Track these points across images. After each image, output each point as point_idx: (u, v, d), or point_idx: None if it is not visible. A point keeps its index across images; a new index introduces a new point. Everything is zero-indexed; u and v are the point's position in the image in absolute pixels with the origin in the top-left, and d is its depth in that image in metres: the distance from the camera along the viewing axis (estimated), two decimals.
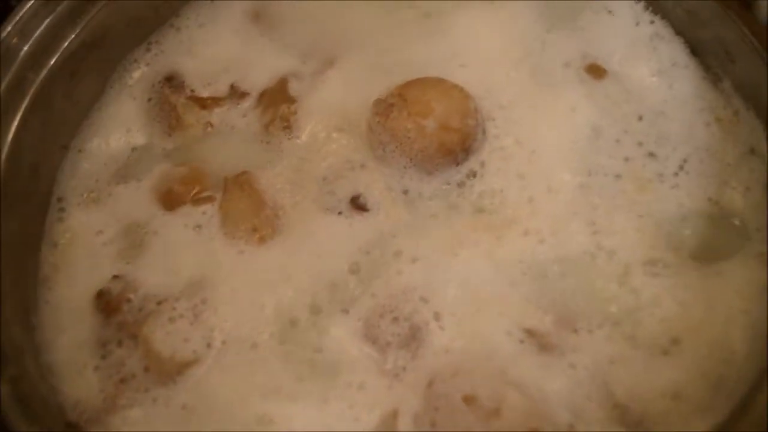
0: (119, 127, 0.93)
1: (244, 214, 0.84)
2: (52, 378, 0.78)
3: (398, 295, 0.79)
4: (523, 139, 0.86)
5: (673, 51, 0.92)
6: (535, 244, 0.81)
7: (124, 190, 0.88)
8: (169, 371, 0.77)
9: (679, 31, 0.93)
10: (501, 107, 0.88)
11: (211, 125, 0.92)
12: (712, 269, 0.80)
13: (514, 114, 0.88)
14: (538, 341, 0.77)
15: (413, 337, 0.77)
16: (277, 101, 0.91)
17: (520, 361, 0.76)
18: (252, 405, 0.75)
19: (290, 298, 0.80)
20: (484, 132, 0.86)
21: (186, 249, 0.83)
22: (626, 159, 0.85)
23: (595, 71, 0.90)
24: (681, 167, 0.85)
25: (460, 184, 0.84)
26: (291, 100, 0.91)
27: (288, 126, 0.90)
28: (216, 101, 0.93)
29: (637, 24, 0.93)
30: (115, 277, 0.82)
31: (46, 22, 0.87)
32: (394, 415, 0.74)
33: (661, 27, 0.93)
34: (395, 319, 0.78)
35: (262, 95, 0.92)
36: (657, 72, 0.90)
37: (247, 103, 0.92)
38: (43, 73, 0.87)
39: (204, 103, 0.93)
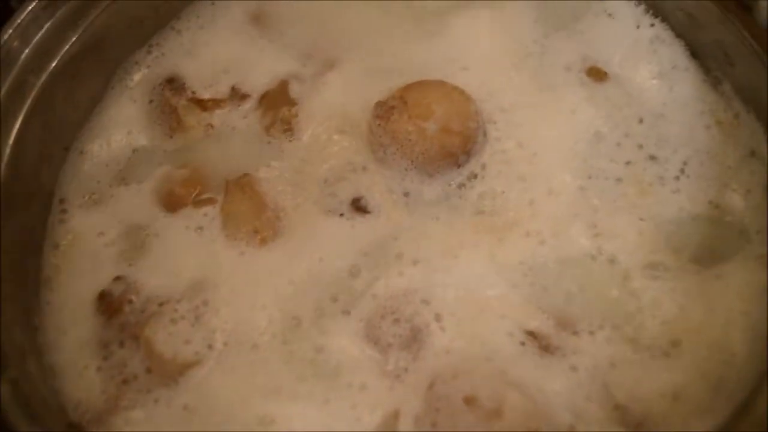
0: (120, 129, 0.93)
1: (246, 216, 0.84)
2: (54, 379, 0.78)
3: (399, 296, 0.79)
4: (524, 142, 0.87)
5: (673, 54, 0.92)
6: (536, 245, 0.81)
7: (126, 191, 0.88)
8: (170, 372, 0.77)
9: (679, 34, 0.93)
10: (502, 110, 0.89)
11: (212, 127, 0.92)
12: (712, 272, 0.80)
13: (515, 116, 0.88)
14: (539, 343, 0.77)
15: (414, 339, 0.77)
16: (278, 103, 0.91)
17: (521, 362, 0.76)
18: (253, 405, 0.75)
19: (291, 300, 0.80)
20: (485, 134, 0.86)
21: (187, 251, 0.84)
22: (627, 162, 0.86)
23: (596, 74, 0.90)
24: (682, 170, 0.85)
25: (461, 186, 0.85)
26: (292, 103, 0.91)
27: (289, 128, 0.90)
28: (217, 103, 0.93)
29: (638, 27, 0.94)
30: (117, 278, 0.82)
31: (47, 25, 0.87)
32: (395, 415, 0.74)
33: (661, 30, 0.93)
34: (396, 321, 0.78)
35: (263, 97, 0.92)
36: (657, 75, 0.91)
37: (247, 105, 0.92)
38: (44, 76, 0.87)
39: (205, 105, 0.93)
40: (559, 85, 0.91)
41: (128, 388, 0.77)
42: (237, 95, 0.93)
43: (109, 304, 0.81)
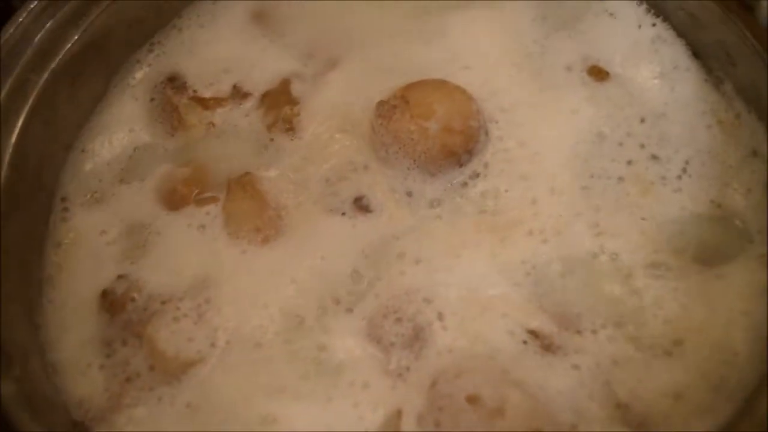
0: (122, 128, 0.93)
1: (248, 215, 0.84)
2: (57, 377, 0.78)
3: (401, 295, 0.79)
4: (526, 141, 0.87)
5: (674, 53, 0.92)
6: (539, 244, 0.81)
7: (128, 190, 0.89)
8: (173, 370, 0.77)
9: (680, 34, 0.93)
10: (503, 109, 0.89)
11: (214, 126, 0.92)
12: (713, 271, 0.80)
13: (517, 116, 0.88)
14: (541, 342, 0.77)
15: (417, 338, 0.77)
16: (280, 102, 0.92)
17: (523, 361, 0.76)
18: (256, 404, 0.75)
19: (294, 298, 0.80)
20: (486, 134, 0.86)
21: (190, 249, 0.84)
22: (629, 161, 0.86)
23: (597, 74, 0.91)
24: (683, 170, 0.85)
25: (463, 186, 0.85)
26: (293, 102, 0.91)
27: (291, 127, 0.90)
28: (218, 101, 0.93)
29: (639, 26, 0.94)
30: (119, 276, 0.82)
31: (49, 24, 0.87)
32: (398, 414, 0.74)
33: (662, 29, 0.93)
34: (399, 320, 0.78)
35: (265, 96, 0.93)
36: (659, 74, 0.91)
37: (249, 104, 0.92)
38: (46, 74, 0.87)
39: (206, 104, 0.93)
40: (560, 84, 0.91)
41: (131, 386, 0.77)
42: (238, 94, 0.93)
43: (111, 303, 0.81)
